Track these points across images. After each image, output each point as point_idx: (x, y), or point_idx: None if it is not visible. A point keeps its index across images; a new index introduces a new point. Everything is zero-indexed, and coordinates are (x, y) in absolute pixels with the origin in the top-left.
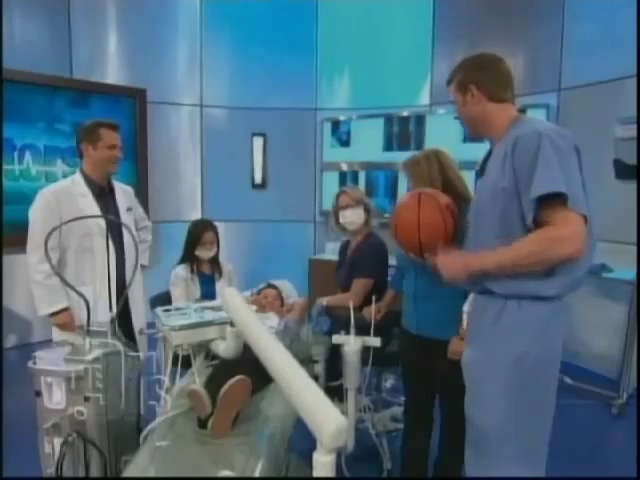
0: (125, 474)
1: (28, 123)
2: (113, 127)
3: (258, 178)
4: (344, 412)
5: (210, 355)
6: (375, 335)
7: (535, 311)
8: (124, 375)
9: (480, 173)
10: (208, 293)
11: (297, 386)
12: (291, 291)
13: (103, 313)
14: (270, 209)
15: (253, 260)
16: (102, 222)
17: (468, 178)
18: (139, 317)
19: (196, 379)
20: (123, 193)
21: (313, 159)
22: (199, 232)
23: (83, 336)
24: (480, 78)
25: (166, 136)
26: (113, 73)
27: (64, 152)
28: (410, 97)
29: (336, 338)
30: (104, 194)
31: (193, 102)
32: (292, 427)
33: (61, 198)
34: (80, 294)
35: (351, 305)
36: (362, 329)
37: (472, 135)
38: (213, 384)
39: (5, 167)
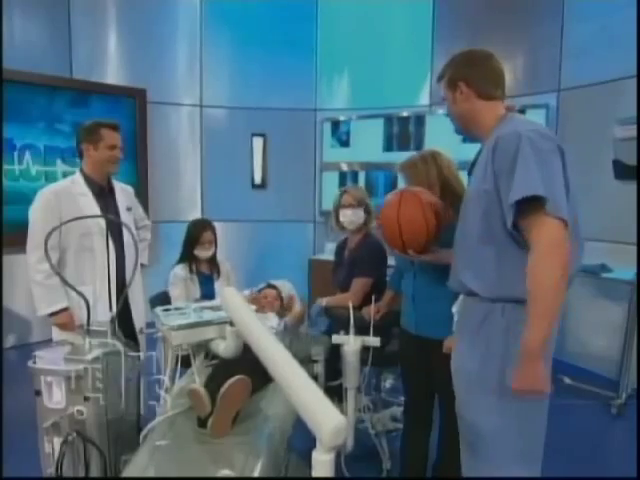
0: (124, 473)
1: (28, 123)
2: (114, 127)
3: (258, 178)
4: (343, 412)
5: (210, 355)
6: (375, 335)
7: (519, 315)
8: (124, 375)
9: (469, 174)
10: (207, 293)
11: (296, 385)
12: (291, 291)
13: (103, 312)
14: (270, 209)
15: (253, 260)
16: (102, 222)
17: (467, 178)
18: (139, 316)
19: (196, 378)
20: (123, 193)
21: (313, 159)
22: (198, 231)
23: (83, 336)
24: (469, 75)
25: (166, 136)
26: (113, 73)
27: (64, 152)
28: (410, 97)
29: (336, 338)
30: (104, 194)
31: (193, 102)
32: (292, 426)
33: (61, 198)
34: (80, 294)
35: (350, 305)
36: (361, 329)
37: (462, 133)
38: (213, 383)
39: (5, 167)
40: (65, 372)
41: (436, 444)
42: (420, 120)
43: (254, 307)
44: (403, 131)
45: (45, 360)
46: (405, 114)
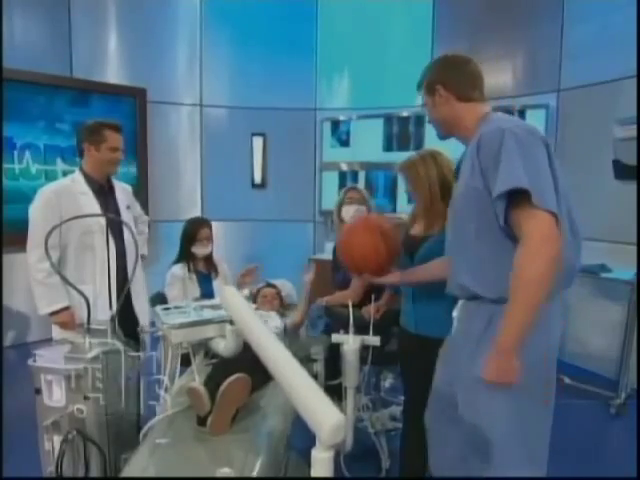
0: (124, 471)
1: (28, 122)
2: (116, 129)
3: (258, 178)
4: (343, 411)
5: (210, 353)
6: (374, 334)
7: (542, 317)
8: (124, 374)
9: (456, 176)
10: (206, 292)
11: (296, 384)
12: (291, 290)
13: (104, 311)
14: (270, 209)
15: (252, 259)
16: (102, 220)
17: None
18: (143, 314)
19: (196, 377)
20: (122, 191)
21: (313, 159)
22: (195, 228)
23: (83, 334)
24: (446, 78)
25: (166, 136)
26: (113, 73)
27: (64, 151)
28: (410, 97)
29: (335, 337)
30: (104, 192)
31: (193, 102)
32: (291, 425)
33: (61, 197)
34: (81, 292)
35: (350, 303)
36: (361, 328)
37: (445, 137)
38: (212, 382)
39: (5, 166)
40: (65, 371)
41: None
42: (420, 120)
43: (254, 305)
44: (403, 131)
45: (45, 359)
46: (405, 114)
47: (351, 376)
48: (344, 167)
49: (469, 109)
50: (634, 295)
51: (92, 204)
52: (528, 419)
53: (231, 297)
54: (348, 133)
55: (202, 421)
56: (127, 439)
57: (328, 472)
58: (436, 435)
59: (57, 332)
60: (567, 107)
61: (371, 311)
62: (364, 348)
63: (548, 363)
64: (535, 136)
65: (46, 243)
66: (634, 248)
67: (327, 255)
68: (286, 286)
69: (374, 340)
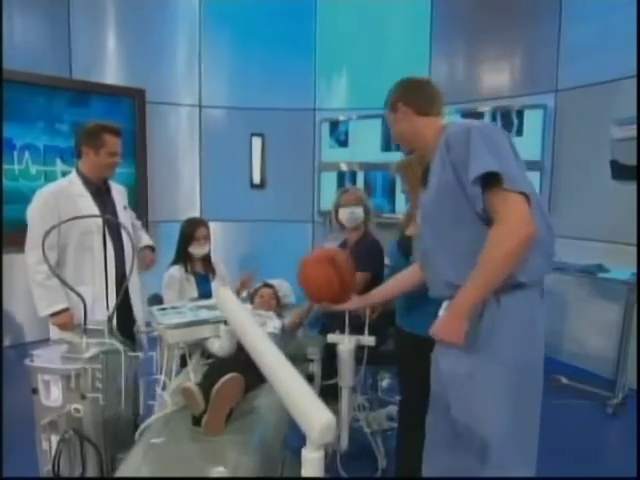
0: (119, 471)
1: (27, 123)
2: (116, 133)
3: (256, 178)
4: (339, 411)
5: (206, 354)
6: (370, 334)
7: (515, 308)
8: (123, 374)
9: (424, 185)
10: (204, 293)
11: (286, 383)
12: (288, 291)
13: (102, 311)
14: (268, 209)
15: (251, 260)
16: (100, 221)
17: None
18: (139, 315)
19: (191, 377)
20: (119, 193)
21: (311, 159)
22: (192, 228)
23: (80, 335)
24: (406, 95)
25: (165, 136)
26: (112, 73)
27: (63, 152)
28: None
29: (331, 337)
30: (101, 194)
31: (192, 102)
32: (287, 425)
33: (59, 198)
34: (78, 294)
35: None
36: (357, 328)
37: (409, 151)
38: (206, 382)
39: (5, 167)
40: (62, 370)
41: None
42: None
43: (251, 306)
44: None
45: (42, 359)
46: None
47: (346, 376)
48: (343, 167)
49: (427, 123)
50: (632, 295)
51: (90, 206)
52: (517, 413)
53: (226, 298)
54: (347, 133)
55: (197, 421)
56: (124, 439)
57: (319, 472)
58: (434, 437)
59: (55, 332)
60: (565, 107)
61: (366, 311)
62: (359, 348)
63: (531, 360)
64: (497, 130)
65: (43, 244)
66: (631, 248)
67: None
68: (283, 286)
69: (369, 340)
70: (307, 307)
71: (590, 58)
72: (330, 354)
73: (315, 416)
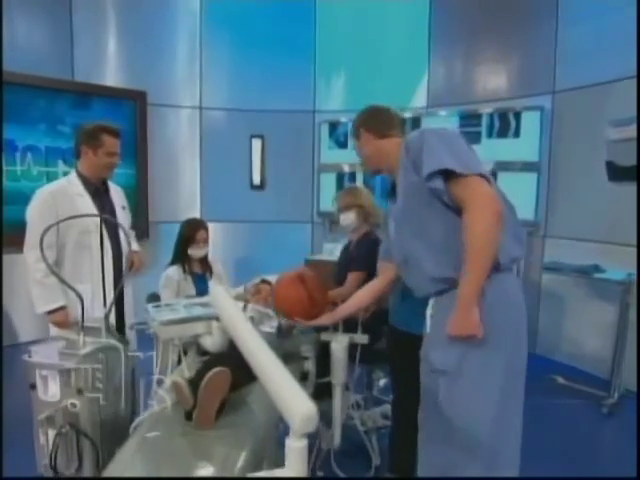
0: (111, 465)
1: (30, 125)
2: (115, 134)
3: (256, 179)
4: (332, 408)
5: (201, 351)
6: (364, 333)
7: (497, 292)
8: (123, 370)
9: (392, 196)
10: (202, 292)
11: (270, 375)
12: None
13: (100, 309)
14: (268, 210)
15: (251, 260)
16: (98, 220)
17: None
18: (130, 313)
19: (185, 373)
20: (117, 193)
21: (311, 161)
22: (192, 230)
23: (77, 331)
24: (366, 122)
25: (166, 138)
26: (114, 76)
27: (65, 153)
28: (407, 99)
29: (324, 335)
30: (100, 193)
31: (192, 104)
32: (279, 420)
33: (58, 198)
34: (76, 292)
35: (339, 302)
36: (351, 326)
37: (375, 172)
38: (196, 377)
39: (7, 168)
40: (60, 366)
41: None
42: (417, 122)
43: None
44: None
45: (40, 355)
46: (402, 116)
47: (338, 373)
48: (342, 168)
49: (388, 143)
50: (626, 295)
51: (88, 205)
52: (504, 396)
53: (217, 294)
54: (346, 135)
55: (189, 416)
56: (120, 433)
57: (302, 460)
58: (427, 432)
59: (54, 331)
60: (562, 109)
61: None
62: (353, 346)
63: (520, 332)
64: (452, 131)
65: (41, 242)
66: (628, 249)
67: (325, 256)
68: None
69: (362, 338)
70: None
71: (587, 60)
72: (324, 352)
73: (297, 406)
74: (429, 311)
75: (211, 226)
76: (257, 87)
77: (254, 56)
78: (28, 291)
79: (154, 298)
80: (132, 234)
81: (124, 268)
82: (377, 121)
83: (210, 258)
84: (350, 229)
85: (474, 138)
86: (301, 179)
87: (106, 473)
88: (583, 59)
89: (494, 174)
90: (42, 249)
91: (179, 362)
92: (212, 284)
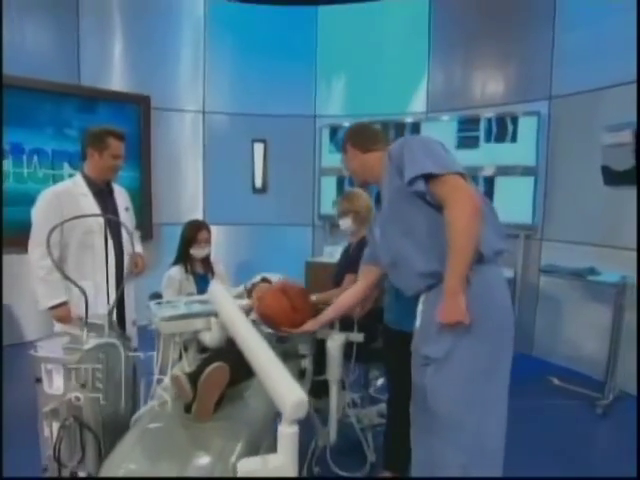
0: (112, 455)
1: (37, 128)
2: (120, 137)
3: (258, 183)
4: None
5: (201, 347)
6: (359, 331)
7: (481, 282)
8: (123, 365)
9: (377, 202)
10: (203, 291)
11: (263, 363)
12: None
13: (102, 308)
14: (270, 213)
15: (253, 262)
16: (102, 220)
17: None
18: (131, 310)
19: (185, 368)
20: (121, 194)
21: (312, 164)
22: (194, 231)
23: (81, 327)
24: (352, 138)
25: (169, 141)
26: (119, 80)
27: (71, 156)
28: (407, 104)
29: (320, 333)
30: (104, 194)
31: (196, 109)
32: (276, 414)
33: (63, 198)
34: (80, 288)
35: (334, 300)
36: (347, 325)
37: (363, 184)
38: (196, 371)
39: (14, 170)
40: (65, 360)
41: None
42: (416, 126)
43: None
44: (400, 137)
45: (46, 349)
46: (402, 120)
47: (334, 370)
48: (342, 172)
49: (372, 156)
50: (620, 297)
51: (92, 206)
52: (490, 384)
53: (216, 292)
54: None
55: (188, 408)
56: (122, 426)
57: (293, 446)
58: (418, 426)
59: (58, 327)
60: (558, 114)
61: (356, 309)
62: (349, 345)
63: (506, 320)
64: (428, 137)
65: (48, 241)
66: (624, 252)
67: (325, 258)
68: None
69: (358, 337)
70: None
71: (583, 65)
72: (321, 350)
73: (287, 394)
74: (419, 307)
75: (213, 229)
76: (259, 92)
77: (257, 61)
78: (32, 289)
79: (157, 298)
80: (137, 235)
81: (126, 268)
82: (362, 137)
83: (212, 259)
84: (349, 232)
85: (472, 142)
86: (302, 183)
87: (107, 463)
88: (579, 65)
89: (492, 178)
90: (49, 246)
91: (180, 359)
92: (213, 283)
